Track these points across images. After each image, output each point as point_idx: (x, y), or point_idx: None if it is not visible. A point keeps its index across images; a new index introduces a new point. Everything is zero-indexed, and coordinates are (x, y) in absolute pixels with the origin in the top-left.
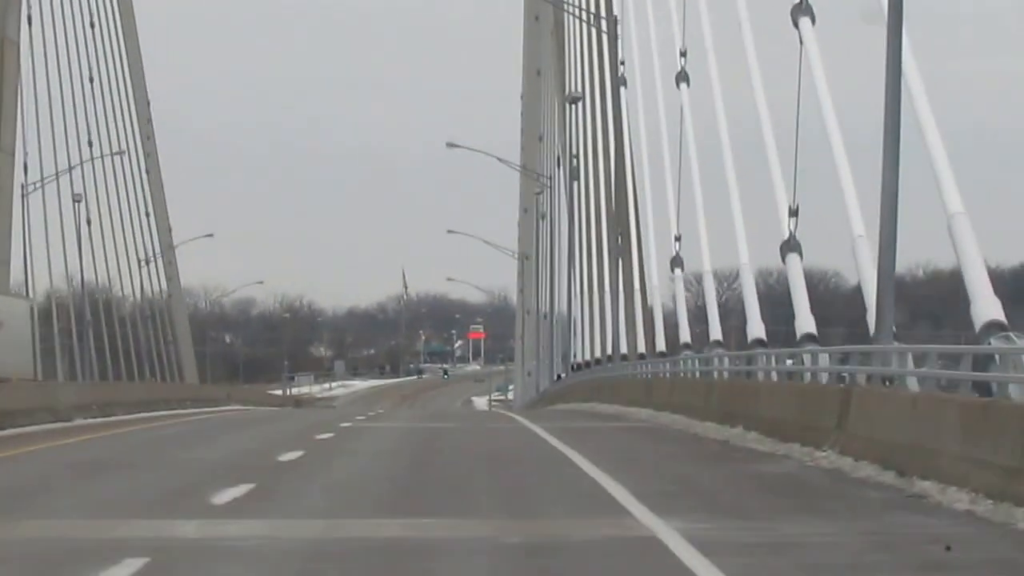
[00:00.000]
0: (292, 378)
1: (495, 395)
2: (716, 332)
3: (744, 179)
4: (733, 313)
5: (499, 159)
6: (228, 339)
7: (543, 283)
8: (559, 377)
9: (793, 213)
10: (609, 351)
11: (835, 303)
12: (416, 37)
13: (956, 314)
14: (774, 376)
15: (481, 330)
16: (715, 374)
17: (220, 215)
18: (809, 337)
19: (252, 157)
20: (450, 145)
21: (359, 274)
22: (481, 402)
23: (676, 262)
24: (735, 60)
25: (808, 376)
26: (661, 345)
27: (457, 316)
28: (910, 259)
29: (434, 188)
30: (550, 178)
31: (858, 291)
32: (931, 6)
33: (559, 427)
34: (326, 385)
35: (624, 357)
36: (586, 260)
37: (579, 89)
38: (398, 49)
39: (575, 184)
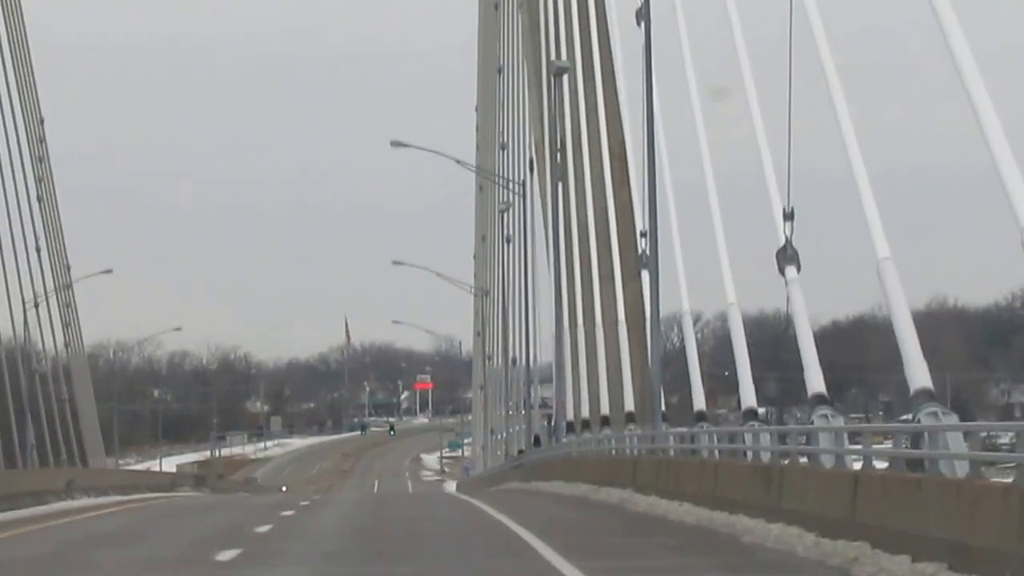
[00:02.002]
0: (223, 438)
1: (446, 452)
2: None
3: None
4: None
5: (457, 161)
6: (156, 394)
7: (516, 320)
8: (537, 440)
9: None
10: (629, 406)
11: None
12: (356, 72)
13: None
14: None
15: (429, 380)
16: (940, 464)
17: (152, 264)
18: None
19: (182, 203)
20: (395, 144)
21: (300, 323)
22: (431, 460)
23: (787, 256)
24: None
25: None
26: (749, 399)
27: (403, 365)
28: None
29: (379, 229)
30: (522, 184)
31: None
32: None
33: None
34: (260, 445)
35: (664, 416)
36: (580, 284)
37: (566, 58)
38: (336, 84)
39: (560, 185)
